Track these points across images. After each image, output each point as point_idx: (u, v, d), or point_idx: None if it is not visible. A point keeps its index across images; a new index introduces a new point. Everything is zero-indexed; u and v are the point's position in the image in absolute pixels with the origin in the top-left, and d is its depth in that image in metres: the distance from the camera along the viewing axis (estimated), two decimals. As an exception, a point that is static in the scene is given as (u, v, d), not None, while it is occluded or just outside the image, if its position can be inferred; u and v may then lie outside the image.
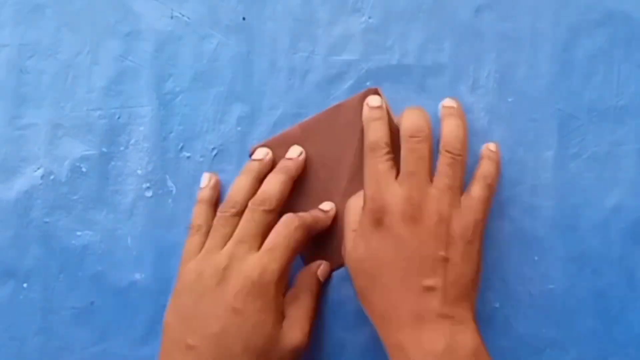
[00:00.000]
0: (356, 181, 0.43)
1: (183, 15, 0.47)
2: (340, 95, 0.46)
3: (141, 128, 0.47)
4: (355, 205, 0.42)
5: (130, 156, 0.47)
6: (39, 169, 0.47)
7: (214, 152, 0.46)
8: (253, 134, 0.47)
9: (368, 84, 0.46)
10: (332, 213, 0.44)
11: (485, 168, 0.42)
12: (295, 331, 0.40)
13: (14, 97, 0.47)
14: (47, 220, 0.46)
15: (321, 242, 0.44)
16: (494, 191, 0.41)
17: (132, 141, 0.47)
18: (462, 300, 0.38)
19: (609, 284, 0.45)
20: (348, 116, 0.44)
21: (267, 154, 0.44)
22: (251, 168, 0.43)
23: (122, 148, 0.47)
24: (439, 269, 0.38)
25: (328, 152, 0.44)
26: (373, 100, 0.43)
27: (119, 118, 0.47)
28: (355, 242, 0.40)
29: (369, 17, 0.46)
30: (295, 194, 0.44)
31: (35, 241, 0.46)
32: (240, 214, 0.41)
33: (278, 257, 0.39)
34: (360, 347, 0.45)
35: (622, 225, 0.45)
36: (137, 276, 0.46)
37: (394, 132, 0.43)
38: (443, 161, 0.40)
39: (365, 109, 0.43)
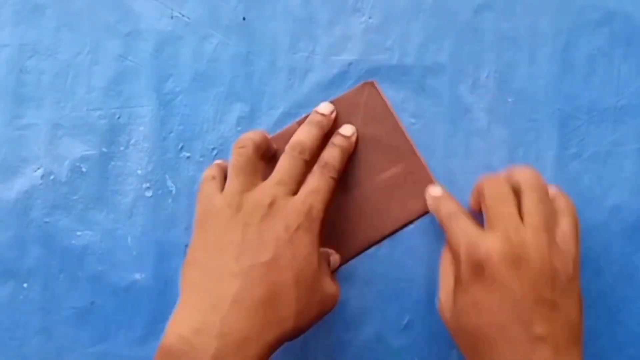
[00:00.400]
0: (357, 173, 0.44)
1: (183, 15, 0.47)
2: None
3: (141, 128, 0.46)
4: (448, 259, 0.41)
5: (130, 156, 0.46)
6: (39, 169, 0.46)
7: (214, 152, 0.46)
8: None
9: None
10: (354, 138, 0.44)
11: (563, 202, 0.40)
12: (331, 280, 0.40)
13: (14, 97, 0.47)
14: (47, 220, 0.46)
15: (328, 234, 0.44)
16: (579, 224, 0.40)
17: (132, 141, 0.47)
18: (573, 346, 0.36)
19: (609, 284, 0.45)
20: (347, 110, 0.44)
21: (333, 111, 0.44)
22: (316, 120, 0.43)
23: (122, 148, 0.47)
24: (547, 315, 0.35)
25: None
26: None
27: (119, 118, 0.46)
28: (454, 297, 0.38)
29: (369, 17, 0.46)
30: None
31: (35, 241, 0.46)
32: (305, 161, 0.41)
33: (320, 198, 0.39)
34: (361, 347, 0.45)
35: (622, 225, 0.45)
36: (137, 276, 0.46)
37: (394, 130, 0.43)
38: (530, 199, 0.38)
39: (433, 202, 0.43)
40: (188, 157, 0.46)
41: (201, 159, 0.46)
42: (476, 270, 0.36)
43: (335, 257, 0.44)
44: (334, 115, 0.44)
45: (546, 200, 0.38)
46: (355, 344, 0.45)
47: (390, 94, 0.46)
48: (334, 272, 0.45)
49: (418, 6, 0.46)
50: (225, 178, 0.41)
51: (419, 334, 0.45)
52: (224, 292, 0.36)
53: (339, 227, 0.45)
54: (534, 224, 0.37)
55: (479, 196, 0.40)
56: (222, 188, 0.40)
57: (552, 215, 0.38)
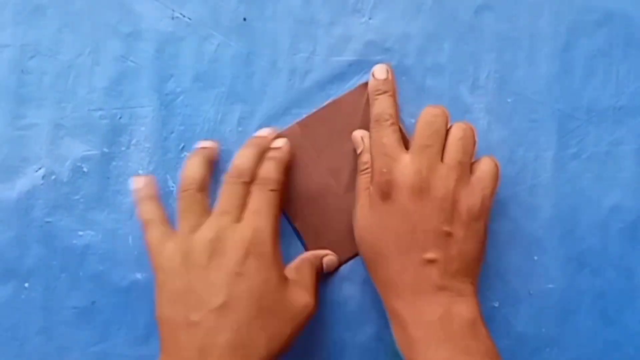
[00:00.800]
0: (356, 174, 0.44)
1: (184, 16, 0.47)
2: (339, 95, 0.46)
3: (142, 128, 0.46)
4: (364, 180, 0.42)
5: (131, 156, 0.46)
6: (40, 169, 0.46)
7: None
8: (254, 134, 0.46)
9: None
10: (286, 148, 0.44)
11: (487, 157, 0.42)
12: (301, 291, 0.40)
13: (15, 98, 0.47)
14: (49, 220, 0.46)
15: (327, 235, 0.45)
16: (499, 175, 0.41)
17: (134, 141, 0.46)
18: (463, 275, 0.39)
19: (608, 283, 0.45)
20: (347, 110, 0.45)
21: (272, 133, 0.44)
22: (252, 142, 0.44)
23: (123, 148, 0.46)
24: (441, 244, 0.38)
25: (328, 147, 0.45)
26: (379, 72, 0.43)
27: (120, 118, 0.46)
28: (362, 214, 0.41)
29: (369, 18, 0.47)
30: (298, 190, 0.45)
31: (36, 241, 0.46)
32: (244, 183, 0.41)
33: (265, 216, 0.40)
34: (361, 347, 0.45)
35: (621, 224, 0.46)
36: (138, 276, 0.46)
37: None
38: (454, 135, 0.40)
39: (372, 82, 0.43)
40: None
41: None
42: (384, 194, 0.39)
43: (330, 258, 0.44)
44: (272, 137, 0.44)
45: (469, 143, 0.40)
46: (355, 343, 0.45)
47: None
48: (332, 272, 0.45)
49: (418, 7, 0.46)
50: (161, 209, 0.42)
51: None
52: (189, 344, 0.37)
53: (339, 227, 0.45)
54: (449, 161, 0.39)
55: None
56: (165, 225, 0.41)
57: (471, 156, 0.40)
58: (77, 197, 0.46)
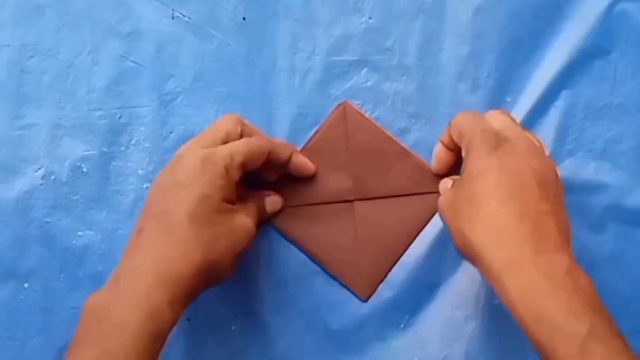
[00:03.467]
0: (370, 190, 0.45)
1: (184, 16, 0.47)
2: (341, 96, 0.47)
3: (142, 128, 0.46)
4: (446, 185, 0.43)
5: (131, 156, 0.46)
6: (39, 169, 0.46)
7: None
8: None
9: (369, 84, 0.47)
10: (307, 165, 0.45)
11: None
12: (243, 215, 0.40)
13: (14, 98, 0.47)
14: (48, 220, 0.46)
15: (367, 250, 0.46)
16: None
17: (133, 141, 0.46)
18: (568, 241, 0.37)
19: (605, 282, 0.43)
20: (330, 145, 0.45)
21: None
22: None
23: (122, 148, 0.46)
24: (552, 198, 0.37)
25: (325, 176, 0.46)
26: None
27: (119, 118, 0.46)
28: (457, 180, 0.41)
29: (369, 18, 0.47)
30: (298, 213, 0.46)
31: (36, 241, 0.46)
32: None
33: (231, 147, 0.40)
34: (361, 347, 0.45)
35: (618, 222, 0.45)
36: None
37: (385, 141, 0.45)
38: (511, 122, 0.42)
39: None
40: None
41: None
42: (495, 141, 0.38)
43: (273, 198, 0.45)
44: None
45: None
46: (355, 343, 0.45)
47: (391, 95, 0.46)
48: (276, 213, 0.45)
49: (418, 6, 0.46)
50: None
51: (419, 334, 0.45)
52: (135, 244, 0.38)
53: (372, 241, 0.45)
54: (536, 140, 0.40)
55: (456, 132, 0.41)
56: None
57: None
58: (76, 197, 0.46)
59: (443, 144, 0.43)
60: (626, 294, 0.45)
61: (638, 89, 0.46)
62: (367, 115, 0.45)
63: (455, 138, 0.41)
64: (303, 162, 0.45)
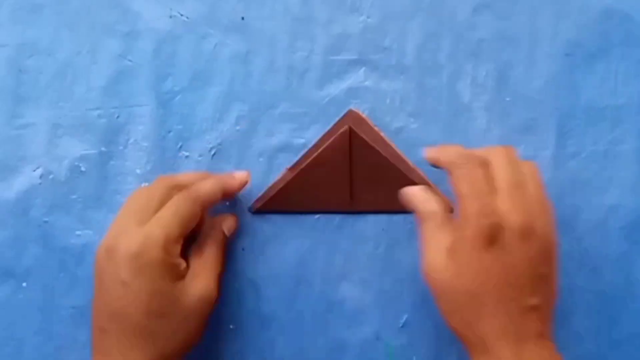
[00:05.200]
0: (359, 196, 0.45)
1: (182, 15, 0.47)
2: (339, 95, 0.46)
3: (140, 127, 0.46)
4: (435, 219, 0.40)
5: (129, 155, 0.46)
6: (38, 168, 0.46)
7: (213, 151, 0.46)
8: (252, 134, 0.46)
9: (367, 83, 0.46)
10: (243, 180, 0.43)
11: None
12: (199, 282, 0.40)
13: (12, 97, 0.46)
14: (47, 219, 0.46)
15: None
16: None
17: (131, 140, 0.46)
18: (552, 319, 0.38)
19: (607, 283, 0.45)
20: (333, 155, 0.45)
21: (244, 175, 0.44)
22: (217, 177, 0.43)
23: (121, 147, 0.46)
24: (541, 288, 0.37)
25: (324, 184, 0.45)
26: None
27: (118, 117, 0.46)
28: (448, 257, 0.38)
29: (368, 17, 0.46)
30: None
31: (34, 240, 0.46)
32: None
33: (164, 223, 0.38)
34: (359, 346, 0.45)
35: (621, 224, 0.45)
36: None
37: (383, 155, 0.44)
38: (513, 173, 0.39)
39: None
40: (187, 157, 0.46)
41: (200, 158, 0.46)
42: (490, 237, 0.37)
43: (229, 222, 0.44)
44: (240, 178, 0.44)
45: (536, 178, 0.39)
46: (354, 343, 0.45)
47: (389, 94, 0.46)
48: (230, 236, 0.44)
49: (416, 5, 0.46)
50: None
51: (417, 333, 0.45)
52: (99, 349, 0.39)
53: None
54: (540, 197, 0.38)
55: (453, 186, 0.40)
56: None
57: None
58: (74, 196, 0.46)
59: (434, 160, 0.42)
60: (629, 295, 0.45)
61: (639, 90, 0.46)
62: (374, 126, 0.45)
63: (452, 184, 0.40)
64: (240, 181, 0.43)
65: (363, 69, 0.46)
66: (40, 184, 0.46)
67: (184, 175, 0.43)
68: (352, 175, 0.45)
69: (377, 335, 0.45)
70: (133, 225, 0.38)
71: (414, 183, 0.44)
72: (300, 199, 0.45)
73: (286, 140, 0.46)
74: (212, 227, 0.43)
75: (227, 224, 0.44)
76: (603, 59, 0.46)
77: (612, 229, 0.45)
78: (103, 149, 0.46)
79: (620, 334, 0.45)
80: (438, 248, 0.39)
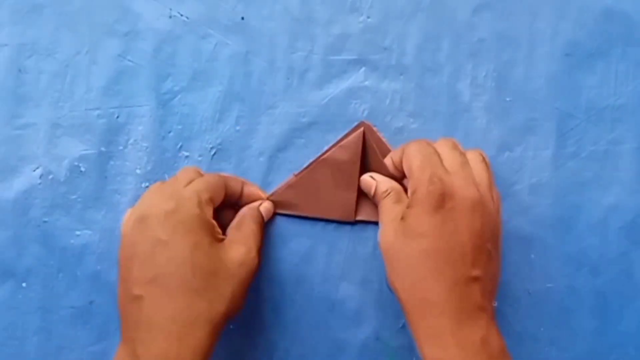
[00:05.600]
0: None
1: (182, 15, 0.46)
2: (338, 95, 0.46)
3: (140, 127, 0.46)
4: (389, 201, 0.41)
5: (129, 155, 0.46)
6: (37, 168, 0.46)
7: (213, 151, 0.46)
8: (252, 134, 0.46)
9: (367, 83, 0.46)
10: (258, 194, 0.45)
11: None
12: (239, 247, 0.39)
13: (12, 97, 0.46)
14: (46, 219, 0.46)
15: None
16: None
17: (131, 140, 0.46)
18: (493, 295, 0.38)
19: (607, 283, 0.45)
20: (346, 151, 0.44)
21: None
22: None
23: (120, 147, 0.46)
24: (483, 261, 0.37)
25: (330, 192, 0.45)
26: None
27: (117, 117, 0.46)
28: (401, 223, 0.38)
29: (368, 17, 0.46)
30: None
31: (34, 240, 0.46)
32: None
33: (194, 187, 0.39)
34: (359, 347, 0.45)
35: (620, 223, 0.45)
36: None
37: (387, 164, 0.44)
38: (473, 157, 0.40)
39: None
40: (187, 157, 0.46)
41: (200, 158, 0.46)
42: (438, 203, 0.37)
43: (265, 206, 0.44)
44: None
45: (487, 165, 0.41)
46: (354, 343, 0.45)
47: (389, 94, 0.46)
48: (268, 220, 0.45)
49: (416, 5, 0.46)
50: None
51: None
52: (136, 321, 0.37)
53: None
54: (489, 179, 0.39)
55: (406, 166, 0.40)
56: None
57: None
58: (74, 196, 0.46)
59: (392, 161, 0.43)
60: (629, 295, 0.45)
61: (639, 90, 0.46)
62: (384, 139, 0.45)
63: (404, 170, 0.41)
64: (255, 192, 0.45)
65: (363, 69, 0.46)
66: (39, 184, 0.46)
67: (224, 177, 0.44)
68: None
69: (376, 335, 0.45)
70: (163, 195, 0.39)
71: None
72: (304, 204, 0.45)
73: (286, 141, 0.46)
74: (250, 208, 0.43)
75: (265, 206, 0.44)
76: (603, 59, 0.46)
77: (612, 229, 0.45)
78: (103, 149, 0.46)
79: (621, 334, 0.45)
80: (391, 218, 0.39)
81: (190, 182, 0.40)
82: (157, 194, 0.39)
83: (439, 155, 0.39)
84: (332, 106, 0.46)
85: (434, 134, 0.45)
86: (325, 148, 0.46)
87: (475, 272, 0.37)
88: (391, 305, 0.45)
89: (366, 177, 0.43)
